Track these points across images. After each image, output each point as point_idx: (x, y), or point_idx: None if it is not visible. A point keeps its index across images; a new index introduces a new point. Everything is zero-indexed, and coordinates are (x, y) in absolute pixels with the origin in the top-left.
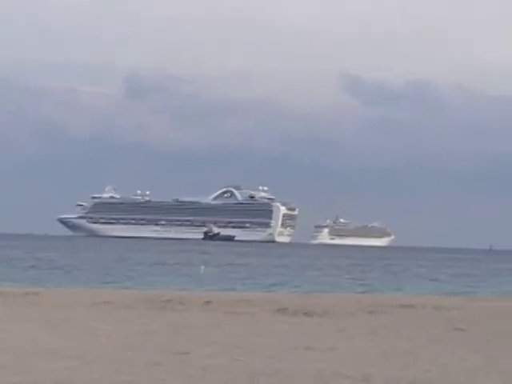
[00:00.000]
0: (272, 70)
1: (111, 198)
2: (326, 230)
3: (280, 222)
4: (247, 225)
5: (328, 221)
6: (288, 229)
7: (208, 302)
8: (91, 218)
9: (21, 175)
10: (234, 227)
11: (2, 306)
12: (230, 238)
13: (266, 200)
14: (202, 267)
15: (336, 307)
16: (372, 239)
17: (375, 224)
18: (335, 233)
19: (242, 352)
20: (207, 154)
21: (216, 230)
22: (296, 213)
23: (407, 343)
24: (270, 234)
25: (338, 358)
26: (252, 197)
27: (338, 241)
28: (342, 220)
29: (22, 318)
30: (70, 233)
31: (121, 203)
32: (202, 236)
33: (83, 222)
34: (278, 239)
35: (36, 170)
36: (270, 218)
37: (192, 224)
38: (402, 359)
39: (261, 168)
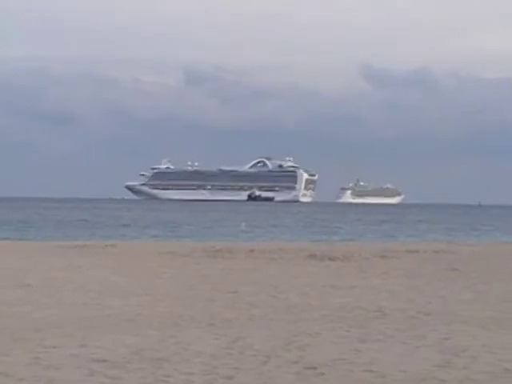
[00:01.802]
0: (299, 60)
1: (167, 168)
2: (348, 191)
3: (303, 186)
4: (277, 188)
5: (350, 184)
6: (309, 191)
7: (251, 251)
8: (151, 184)
9: (96, 150)
10: (266, 190)
11: (85, 256)
12: (270, 199)
13: (291, 168)
14: (243, 224)
15: (355, 253)
16: (386, 198)
17: (388, 185)
18: (356, 193)
19: (280, 290)
20: (244, 131)
21: (257, 192)
22: (316, 178)
23: (412, 281)
24: (295, 196)
25: (357, 293)
26: (280, 166)
27: (358, 200)
28: (361, 183)
29: (101, 265)
30: (134, 197)
31: (175, 172)
32: (245, 198)
33: (145, 188)
34: (302, 199)
35: (108, 146)
36: (295, 183)
37: (232, 188)
38: (409, 294)
39: (288, 142)
